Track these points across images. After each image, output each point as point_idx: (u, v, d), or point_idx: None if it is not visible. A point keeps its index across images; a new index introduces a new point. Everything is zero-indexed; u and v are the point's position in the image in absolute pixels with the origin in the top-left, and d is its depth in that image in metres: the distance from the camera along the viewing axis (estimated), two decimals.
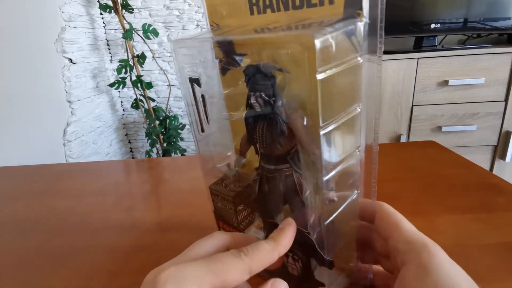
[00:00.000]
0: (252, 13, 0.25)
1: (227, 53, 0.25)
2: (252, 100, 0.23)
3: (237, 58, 0.25)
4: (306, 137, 0.23)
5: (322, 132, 0.21)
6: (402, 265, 0.20)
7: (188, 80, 0.28)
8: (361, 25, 0.20)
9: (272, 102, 0.22)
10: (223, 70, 0.27)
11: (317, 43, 0.18)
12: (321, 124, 0.21)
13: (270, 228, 0.27)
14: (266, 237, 0.26)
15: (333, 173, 0.23)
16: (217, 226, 0.35)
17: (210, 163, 0.32)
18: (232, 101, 0.28)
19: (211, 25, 0.28)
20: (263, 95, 0.22)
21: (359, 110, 0.23)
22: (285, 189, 0.25)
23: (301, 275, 0.26)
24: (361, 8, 0.20)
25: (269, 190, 0.26)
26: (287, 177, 0.25)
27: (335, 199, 0.23)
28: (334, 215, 0.24)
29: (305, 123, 0.23)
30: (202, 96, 0.28)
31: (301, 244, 0.25)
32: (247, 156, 0.29)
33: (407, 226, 0.22)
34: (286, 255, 0.26)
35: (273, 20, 0.24)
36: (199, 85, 0.27)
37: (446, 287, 0.18)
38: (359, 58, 0.21)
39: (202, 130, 0.29)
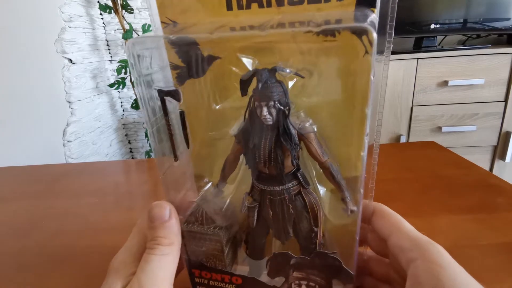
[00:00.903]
0: (229, 8, 0.20)
1: (189, 56, 0.21)
2: (264, 112, 0.19)
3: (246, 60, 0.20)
4: (319, 147, 0.21)
5: (366, 139, 0.19)
6: (410, 263, 0.20)
7: (159, 97, 0.22)
8: (376, 23, 0.18)
9: (286, 111, 0.20)
10: (181, 79, 0.22)
11: (375, 36, 0.16)
12: (367, 131, 0.19)
13: (276, 261, 0.24)
14: (270, 272, 0.24)
15: (363, 180, 0.21)
16: (190, 279, 0.27)
17: (179, 196, 0.25)
18: (197, 117, 0.23)
19: (163, 22, 0.21)
20: (277, 104, 0.19)
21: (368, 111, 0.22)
22: (295, 210, 0.23)
23: None
24: (374, 6, 0.18)
25: (274, 215, 0.23)
26: (296, 196, 0.22)
27: (355, 208, 0.22)
28: (358, 225, 0.22)
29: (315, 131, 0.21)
30: (181, 113, 0.22)
31: (320, 268, 0.23)
32: (227, 182, 0.25)
33: (408, 226, 0.23)
34: (298, 284, 0.24)
35: (267, 18, 0.19)
36: (178, 99, 0.21)
37: (462, 283, 0.18)
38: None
39: (176, 158, 0.24)
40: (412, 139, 1.53)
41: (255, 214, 0.24)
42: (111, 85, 1.64)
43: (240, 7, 0.20)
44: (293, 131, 0.20)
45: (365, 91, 0.18)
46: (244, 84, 0.20)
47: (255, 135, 0.21)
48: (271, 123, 0.20)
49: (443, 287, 0.18)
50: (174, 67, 0.21)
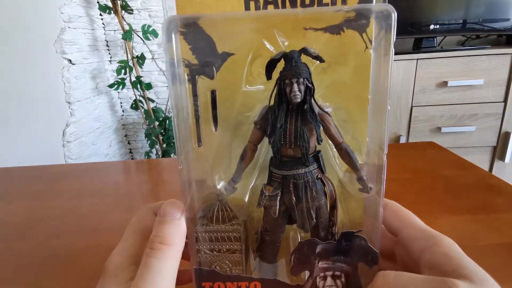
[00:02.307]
0: (247, 8, 0.22)
1: (203, 52, 0.21)
2: (295, 88, 0.20)
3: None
4: (336, 128, 0.22)
5: (389, 108, 0.21)
6: (425, 250, 0.20)
7: (190, 75, 0.21)
8: (373, 23, 0.20)
9: (313, 89, 0.21)
10: (194, 90, 0.22)
11: (394, 15, 0.19)
12: (388, 102, 0.21)
13: (301, 252, 0.23)
14: (294, 268, 0.23)
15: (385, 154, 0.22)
16: None
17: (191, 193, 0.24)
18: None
19: None
20: (306, 81, 0.21)
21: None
22: (317, 193, 0.23)
23: None
24: None
25: (297, 200, 0.23)
26: (317, 179, 0.23)
27: (373, 186, 0.22)
28: (382, 196, 0.22)
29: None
30: (213, 91, 0.22)
31: (346, 251, 0.23)
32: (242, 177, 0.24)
33: (420, 221, 0.23)
34: (323, 277, 0.23)
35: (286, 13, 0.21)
36: (211, 76, 0.21)
37: (481, 271, 0.18)
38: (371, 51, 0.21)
39: (199, 143, 0.23)
40: (411, 139, 1.53)
41: (277, 203, 0.23)
42: (110, 86, 1.64)
43: (257, 8, 0.21)
44: (316, 111, 0.22)
45: (367, 80, 0.21)
46: (272, 65, 0.21)
47: (282, 115, 0.21)
48: (299, 100, 0.21)
49: (465, 267, 0.18)
50: (187, 64, 0.22)
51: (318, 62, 0.21)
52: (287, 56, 0.21)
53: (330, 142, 0.23)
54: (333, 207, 0.23)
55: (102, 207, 0.51)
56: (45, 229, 0.45)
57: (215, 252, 0.24)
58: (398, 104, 1.49)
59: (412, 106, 1.49)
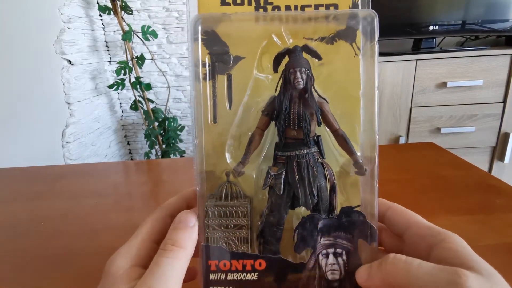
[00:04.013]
0: (257, 21, 0.25)
1: (218, 54, 0.24)
2: (298, 75, 0.24)
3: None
4: (333, 116, 0.25)
5: (377, 92, 0.24)
6: (433, 246, 0.21)
7: (210, 60, 0.25)
8: (360, 34, 0.24)
9: (313, 79, 0.25)
10: (211, 75, 0.25)
11: (377, 20, 0.23)
12: (376, 92, 0.24)
13: (304, 227, 0.24)
14: (297, 245, 0.24)
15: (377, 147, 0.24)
16: (204, 279, 0.24)
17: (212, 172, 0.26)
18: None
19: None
20: (307, 70, 0.24)
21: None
22: (318, 173, 0.25)
23: (344, 273, 0.24)
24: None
25: (300, 178, 0.25)
26: (317, 160, 0.25)
27: (368, 168, 0.24)
28: (376, 173, 0.24)
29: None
30: (229, 75, 0.25)
31: (346, 227, 0.24)
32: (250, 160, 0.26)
33: (425, 220, 0.23)
34: (326, 254, 0.24)
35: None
36: (228, 62, 0.25)
37: (488, 266, 0.18)
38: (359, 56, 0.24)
39: (215, 120, 0.25)
40: (411, 140, 1.53)
41: (282, 181, 0.25)
42: (110, 86, 1.64)
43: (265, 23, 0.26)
44: (316, 98, 0.25)
45: (358, 80, 0.24)
46: (278, 59, 0.24)
47: (287, 99, 0.25)
48: (302, 86, 0.24)
49: (473, 261, 0.18)
50: (204, 65, 0.25)
51: (316, 60, 0.25)
52: (291, 50, 0.24)
53: (328, 130, 0.26)
54: (332, 191, 0.25)
55: (102, 208, 0.51)
56: (44, 230, 0.45)
57: (222, 228, 0.25)
58: (397, 105, 1.49)
59: (411, 107, 1.49)
